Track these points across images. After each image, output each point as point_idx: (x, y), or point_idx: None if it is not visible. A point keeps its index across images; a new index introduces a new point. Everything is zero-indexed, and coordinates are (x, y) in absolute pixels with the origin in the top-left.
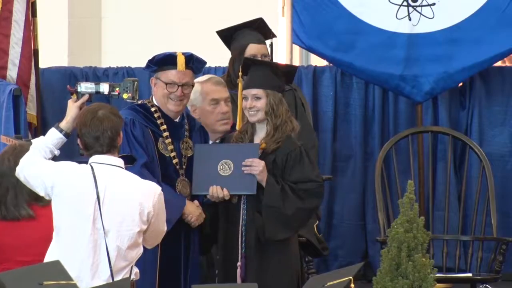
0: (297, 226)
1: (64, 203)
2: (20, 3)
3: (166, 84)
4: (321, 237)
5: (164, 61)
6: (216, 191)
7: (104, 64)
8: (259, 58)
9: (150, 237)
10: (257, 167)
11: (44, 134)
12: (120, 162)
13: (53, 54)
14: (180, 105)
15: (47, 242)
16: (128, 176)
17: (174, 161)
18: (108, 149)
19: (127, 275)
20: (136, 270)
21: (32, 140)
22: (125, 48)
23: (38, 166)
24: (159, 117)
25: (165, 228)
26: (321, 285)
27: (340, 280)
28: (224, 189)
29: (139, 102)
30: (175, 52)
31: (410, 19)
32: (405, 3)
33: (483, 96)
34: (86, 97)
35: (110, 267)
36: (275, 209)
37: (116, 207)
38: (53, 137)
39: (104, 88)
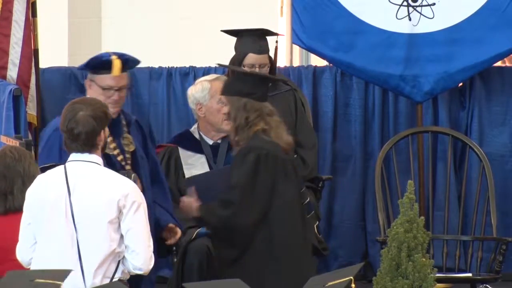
0: (233, 241)
1: (38, 211)
2: (20, 3)
3: (103, 89)
4: (321, 237)
5: (100, 66)
6: None
7: None
8: (257, 68)
9: (132, 238)
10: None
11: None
12: (97, 159)
13: (53, 54)
14: (117, 107)
15: None
16: (102, 171)
17: (119, 158)
18: (85, 149)
19: (110, 275)
20: (123, 268)
21: None
22: (125, 48)
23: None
24: None
25: (146, 230)
26: (321, 285)
27: (340, 280)
28: None
29: None
30: (109, 55)
31: (410, 19)
32: (405, 3)
33: (483, 96)
34: None
35: (80, 260)
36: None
37: (85, 198)
38: None
39: None
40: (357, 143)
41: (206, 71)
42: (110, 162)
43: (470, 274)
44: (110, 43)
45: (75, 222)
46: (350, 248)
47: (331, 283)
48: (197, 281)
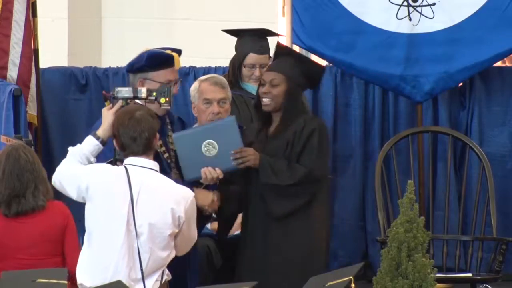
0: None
1: (98, 204)
2: (20, 3)
3: (162, 84)
4: None
5: (163, 62)
6: (210, 172)
7: (104, 64)
8: (258, 68)
9: (180, 243)
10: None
11: (44, 134)
12: (155, 165)
13: (53, 54)
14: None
15: (50, 239)
16: (162, 179)
17: (165, 155)
18: (144, 151)
19: (159, 278)
20: (167, 271)
21: (68, 148)
22: (125, 48)
23: (73, 170)
24: None
25: (196, 235)
26: (321, 285)
27: (340, 280)
28: (216, 168)
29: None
30: (166, 52)
31: (410, 19)
32: (405, 3)
33: (483, 96)
34: (120, 103)
35: (142, 269)
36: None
37: (149, 210)
38: (89, 145)
39: (143, 92)
40: (357, 143)
41: (206, 71)
42: (158, 159)
43: (470, 274)
44: (110, 43)
45: (137, 232)
46: (350, 248)
47: (331, 283)
48: (198, 282)
